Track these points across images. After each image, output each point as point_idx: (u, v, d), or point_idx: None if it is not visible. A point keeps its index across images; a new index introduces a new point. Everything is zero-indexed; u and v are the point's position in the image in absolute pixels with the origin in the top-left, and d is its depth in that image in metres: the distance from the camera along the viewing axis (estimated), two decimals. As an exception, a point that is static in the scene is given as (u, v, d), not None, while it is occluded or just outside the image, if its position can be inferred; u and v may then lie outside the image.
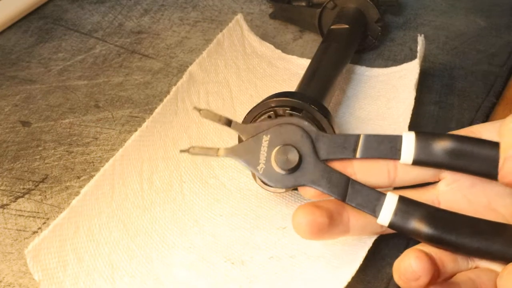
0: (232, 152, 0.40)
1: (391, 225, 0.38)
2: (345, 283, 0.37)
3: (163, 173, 0.47)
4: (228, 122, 0.41)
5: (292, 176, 0.39)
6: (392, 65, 0.59)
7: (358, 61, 0.60)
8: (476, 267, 0.38)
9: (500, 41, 0.61)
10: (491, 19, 0.64)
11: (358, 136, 0.40)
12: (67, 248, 0.41)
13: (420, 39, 0.53)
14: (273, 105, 0.44)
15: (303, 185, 0.39)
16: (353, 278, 0.38)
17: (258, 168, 0.39)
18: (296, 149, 0.39)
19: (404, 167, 0.40)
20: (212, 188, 0.47)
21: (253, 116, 0.44)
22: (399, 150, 0.39)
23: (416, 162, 0.39)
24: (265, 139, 0.40)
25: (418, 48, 0.53)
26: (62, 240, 0.41)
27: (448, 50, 0.61)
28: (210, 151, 0.40)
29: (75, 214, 0.42)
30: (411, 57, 0.60)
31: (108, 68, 0.60)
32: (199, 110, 0.40)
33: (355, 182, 0.39)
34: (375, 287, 0.40)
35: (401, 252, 0.39)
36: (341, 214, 0.39)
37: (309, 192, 0.39)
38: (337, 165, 0.39)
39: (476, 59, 0.59)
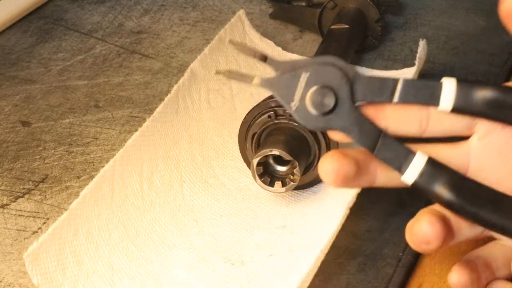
0: (268, 82, 0.38)
1: (414, 186, 0.37)
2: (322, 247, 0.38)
3: (163, 172, 0.47)
4: (264, 58, 0.39)
5: (325, 118, 0.38)
6: (392, 65, 0.59)
7: (358, 61, 0.60)
8: (488, 235, 0.38)
9: (500, 41, 0.61)
10: (491, 19, 0.64)
11: (397, 80, 0.38)
12: (66, 251, 0.41)
13: (422, 43, 0.53)
14: (273, 105, 0.44)
15: (334, 129, 0.38)
16: (353, 278, 0.38)
17: (292, 105, 0.38)
18: (334, 92, 0.38)
19: (438, 117, 0.38)
20: (212, 188, 0.47)
21: (253, 116, 0.44)
22: (439, 96, 0.38)
23: (456, 110, 0.38)
24: (304, 76, 0.39)
25: (419, 50, 0.53)
26: (61, 243, 0.41)
27: (448, 50, 0.61)
28: (245, 78, 0.38)
29: (74, 217, 0.42)
30: (411, 57, 0.60)
31: (108, 68, 0.60)
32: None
33: (387, 136, 0.38)
34: (375, 287, 0.40)
35: (401, 252, 0.39)
36: (368, 165, 0.38)
37: (339, 136, 0.38)
38: (370, 110, 0.38)
39: (476, 59, 0.59)
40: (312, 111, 0.38)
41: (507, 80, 0.56)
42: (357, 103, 0.38)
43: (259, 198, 0.46)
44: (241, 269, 0.41)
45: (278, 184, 0.44)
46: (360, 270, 0.40)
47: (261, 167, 0.43)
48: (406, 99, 0.38)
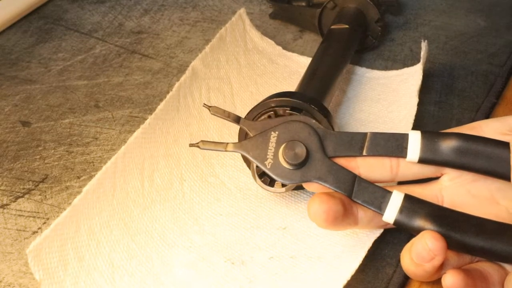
0: (240, 147, 0.41)
1: (396, 223, 0.38)
2: (345, 282, 0.37)
3: (164, 170, 0.48)
4: (237, 119, 0.42)
5: (299, 171, 0.40)
6: (392, 65, 0.59)
7: (358, 61, 0.60)
8: (478, 261, 0.39)
9: (500, 41, 0.61)
10: (491, 19, 0.64)
11: (365, 134, 0.40)
12: (68, 247, 0.41)
13: (424, 45, 0.53)
14: (273, 105, 0.44)
15: (310, 181, 0.40)
16: (353, 278, 0.38)
17: (266, 163, 0.40)
18: (304, 144, 0.40)
19: (407, 164, 0.40)
20: (212, 187, 0.47)
21: (253, 115, 0.44)
22: (406, 148, 0.40)
23: (422, 160, 0.40)
24: (273, 135, 0.41)
25: (422, 53, 0.53)
26: (63, 239, 0.41)
27: (448, 50, 0.61)
28: (219, 146, 0.41)
29: (77, 213, 0.42)
30: (411, 57, 0.60)
31: (108, 68, 0.60)
32: (209, 107, 0.42)
33: (362, 179, 0.39)
34: (375, 287, 0.40)
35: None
36: (352, 206, 0.40)
37: (316, 188, 0.40)
38: (342, 160, 0.40)
39: (476, 59, 0.59)
40: (286, 166, 0.40)
41: (507, 80, 0.56)
42: (329, 156, 0.40)
43: (259, 198, 0.46)
44: (241, 269, 0.41)
45: (278, 184, 0.44)
46: (360, 270, 0.40)
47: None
48: (374, 152, 0.40)
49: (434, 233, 0.36)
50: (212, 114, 0.42)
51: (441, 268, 0.38)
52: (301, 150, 0.40)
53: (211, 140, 0.41)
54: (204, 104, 0.42)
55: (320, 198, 0.38)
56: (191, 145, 0.41)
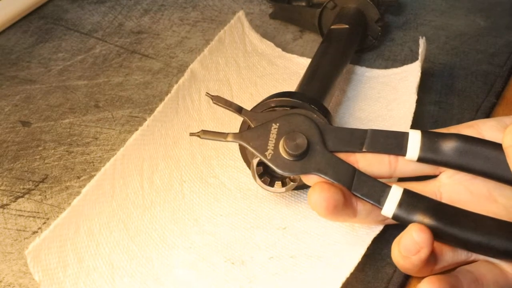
0: (240, 137, 0.41)
1: (394, 217, 0.38)
2: (344, 279, 0.37)
3: (164, 172, 0.48)
4: (239, 109, 0.42)
5: (299, 163, 0.40)
6: (392, 65, 0.59)
7: (358, 61, 0.60)
8: (474, 260, 0.39)
9: (500, 41, 0.61)
10: (491, 19, 0.64)
11: (365, 131, 0.41)
12: (67, 248, 0.41)
13: (422, 42, 0.53)
14: (273, 105, 0.44)
15: (310, 173, 0.40)
16: (353, 278, 0.38)
17: (266, 154, 0.40)
18: (305, 136, 0.40)
19: (406, 161, 0.40)
20: (212, 188, 0.47)
21: (253, 116, 0.44)
22: (405, 146, 0.40)
23: (421, 159, 0.40)
24: (274, 127, 0.41)
25: (420, 50, 0.53)
26: (62, 240, 0.41)
27: (448, 50, 0.61)
28: (219, 136, 0.41)
29: (76, 214, 0.42)
30: (411, 57, 0.60)
31: (108, 68, 0.60)
32: (212, 96, 0.42)
33: (361, 173, 0.39)
34: (375, 287, 0.40)
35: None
36: (351, 197, 0.40)
37: (315, 181, 0.40)
38: (341, 155, 0.40)
39: (476, 59, 0.59)
40: (287, 157, 0.40)
41: (507, 80, 0.56)
42: (329, 150, 0.40)
43: (259, 198, 0.46)
44: (241, 269, 0.41)
45: (278, 184, 0.44)
46: (360, 270, 0.40)
47: (261, 167, 0.43)
48: (374, 149, 0.41)
49: (420, 225, 0.36)
50: (214, 103, 0.42)
51: (435, 263, 0.38)
52: (302, 141, 0.40)
53: (212, 130, 0.41)
54: (207, 93, 0.42)
55: (320, 187, 0.38)
56: (192, 134, 0.41)
